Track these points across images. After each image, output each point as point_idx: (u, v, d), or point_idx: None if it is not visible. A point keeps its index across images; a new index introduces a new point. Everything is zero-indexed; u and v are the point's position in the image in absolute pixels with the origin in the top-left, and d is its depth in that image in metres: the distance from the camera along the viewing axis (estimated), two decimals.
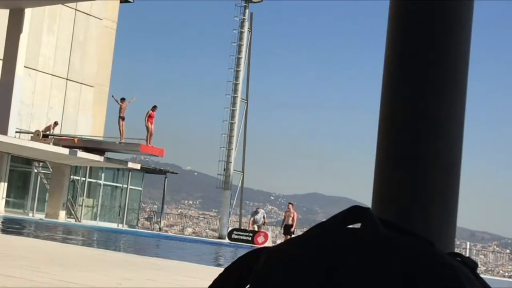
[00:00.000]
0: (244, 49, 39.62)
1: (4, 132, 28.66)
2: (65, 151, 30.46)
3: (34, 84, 36.44)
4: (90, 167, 37.17)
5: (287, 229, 29.59)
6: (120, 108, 31.87)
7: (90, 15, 39.53)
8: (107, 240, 19.45)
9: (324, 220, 0.86)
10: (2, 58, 30.57)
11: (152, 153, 32.55)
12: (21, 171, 35.38)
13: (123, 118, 31.85)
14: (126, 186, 40.23)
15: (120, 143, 31.66)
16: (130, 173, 39.65)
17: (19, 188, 35.46)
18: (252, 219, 33.65)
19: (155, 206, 66.42)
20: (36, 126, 34.15)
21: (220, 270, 0.90)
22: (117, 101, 32.08)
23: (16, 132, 31.05)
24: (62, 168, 33.64)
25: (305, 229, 0.88)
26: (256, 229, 32.29)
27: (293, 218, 29.79)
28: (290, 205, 30.89)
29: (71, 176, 35.43)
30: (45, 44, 37.15)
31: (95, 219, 38.37)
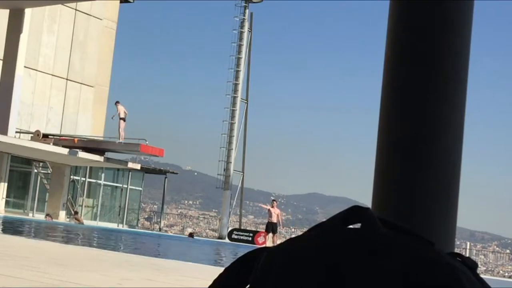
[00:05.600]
0: (244, 49, 39.65)
1: (4, 132, 28.66)
2: (65, 151, 30.46)
3: (34, 84, 36.44)
4: (90, 167, 37.17)
5: (270, 226, 29.45)
6: (118, 110, 32.35)
7: (90, 15, 39.54)
8: (107, 240, 19.46)
9: (324, 220, 0.86)
10: (2, 58, 30.58)
11: (152, 153, 32.56)
12: (21, 171, 35.38)
13: (123, 119, 32.15)
14: (126, 186, 40.25)
15: (120, 142, 31.84)
16: (130, 173, 39.66)
17: (19, 188, 35.46)
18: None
19: (155, 206, 66.44)
20: (36, 126, 34.15)
21: (220, 270, 0.90)
22: (116, 118, 32.76)
23: (16, 132, 31.04)
24: (62, 168, 33.65)
25: (305, 229, 0.88)
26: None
27: (277, 215, 29.70)
28: (274, 202, 30.46)
29: (71, 176, 35.44)
30: (45, 44, 37.15)
31: (95, 219, 38.38)
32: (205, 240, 33.74)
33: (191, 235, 36.50)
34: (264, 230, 32.59)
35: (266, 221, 30.80)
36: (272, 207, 29.69)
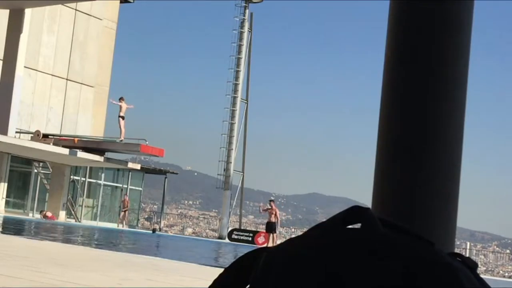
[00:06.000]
0: (244, 49, 39.65)
1: (4, 132, 28.66)
2: (65, 151, 30.46)
3: (34, 84, 36.44)
4: (90, 167, 37.17)
5: (270, 226, 29.36)
6: (120, 108, 32.06)
7: (90, 15, 39.54)
8: (107, 240, 19.46)
9: (324, 220, 0.86)
10: (2, 58, 30.58)
11: (152, 153, 32.55)
12: (21, 171, 35.38)
13: (123, 118, 31.98)
14: (126, 186, 40.24)
15: (120, 140, 31.73)
16: (130, 173, 39.66)
17: (19, 188, 35.46)
18: None
19: (155, 206, 66.47)
20: (36, 126, 34.15)
21: (220, 270, 0.90)
22: (116, 103, 32.40)
23: (16, 132, 31.05)
24: (62, 168, 33.65)
25: (305, 229, 0.88)
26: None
27: (275, 215, 29.61)
28: (272, 203, 30.42)
29: (71, 176, 35.44)
30: (45, 44, 37.15)
31: (95, 219, 38.38)
32: (167, 235, 33.71)
33: (153, 230, 36.78)
34: (264, 231, 32.56)
35: (266, 221, 30.69)
36: (272, 208, 29.68)
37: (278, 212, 30.05)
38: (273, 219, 29.26)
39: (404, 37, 1.39)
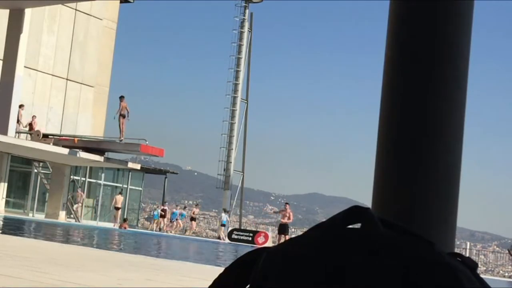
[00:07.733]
0: (244, 49, 39.67)
1: (4, 132, 28.65)
2: (65, 151, 30.46)
3: (34, 84, 36.43)
4: (90, 167, 37.16)
5: (283, 228, 29.53)
6: (121, 107, 31.88)
7: (90, 15, 39.53)
8: (107, 240, 19.45)
9: (324, 220, 0.86)
10: (2, 58, 30.57)
11: (152, 153, 32.54)
12: (21, 171, 35.37)
13: (123, 116, 31.79)
14: (126, 186, 40.23)
15: (120, 140, 31.63)
16: (130, 173, 39.66)
17: (19, 188, 35.45)
18: None
19: (155, 206, 66.42)
20: (36, 126, 34.15)
21: (220, 270, 0.90)
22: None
23: (16, 132, 31.04)
24: (62, 168, 33.65)
25: (305, 229, 0.88)
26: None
27: (289, 217, 29.75)
28: (287, 205, 30.72)
29: (71, 176, 35.43)
30: (45, 44, 37.14)
31: (95, 219, 38.37)
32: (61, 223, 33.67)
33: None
34: (264, 231, 32.60)
35: (266, 221, 30.77)
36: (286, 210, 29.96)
37: (291, 215, 30.28)
38: (285, 221, 29.48)
39: (404, 37, 1.39)
